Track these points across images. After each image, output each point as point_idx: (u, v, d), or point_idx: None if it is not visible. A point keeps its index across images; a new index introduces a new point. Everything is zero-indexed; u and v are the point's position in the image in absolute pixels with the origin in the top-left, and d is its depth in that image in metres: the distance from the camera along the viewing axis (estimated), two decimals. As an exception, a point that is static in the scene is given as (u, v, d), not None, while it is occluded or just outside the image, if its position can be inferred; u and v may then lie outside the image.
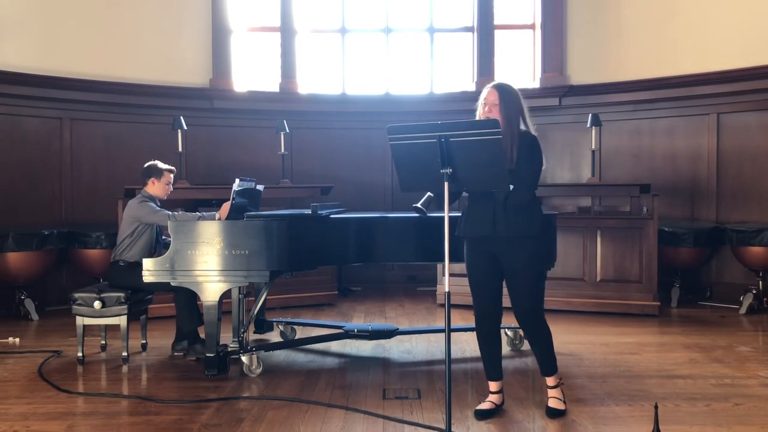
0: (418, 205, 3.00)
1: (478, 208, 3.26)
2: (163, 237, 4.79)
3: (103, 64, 7.14)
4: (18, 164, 6.65)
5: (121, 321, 4.40)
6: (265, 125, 7.57)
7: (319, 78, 8.26)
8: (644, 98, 7.30)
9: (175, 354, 4.62)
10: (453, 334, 4.03)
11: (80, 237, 6.19)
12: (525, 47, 8.17)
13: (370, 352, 4.76)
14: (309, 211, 4.32)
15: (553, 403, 3.40)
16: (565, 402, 3.43)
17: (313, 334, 4.94)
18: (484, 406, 3.42)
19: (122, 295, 4.39)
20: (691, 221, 6.95)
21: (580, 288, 6.10)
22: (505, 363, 4.05)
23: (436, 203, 3.05)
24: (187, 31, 7.70)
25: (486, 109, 3.26)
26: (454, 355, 4.57)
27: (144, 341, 4.81)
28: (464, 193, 3.31)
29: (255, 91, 7.94)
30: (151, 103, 7.32)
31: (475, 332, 3.48)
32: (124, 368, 4.35)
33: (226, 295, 4.11)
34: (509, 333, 4.76)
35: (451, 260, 2.95)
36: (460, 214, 3.39)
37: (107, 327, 4.73)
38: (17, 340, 5.06)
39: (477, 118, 3.28)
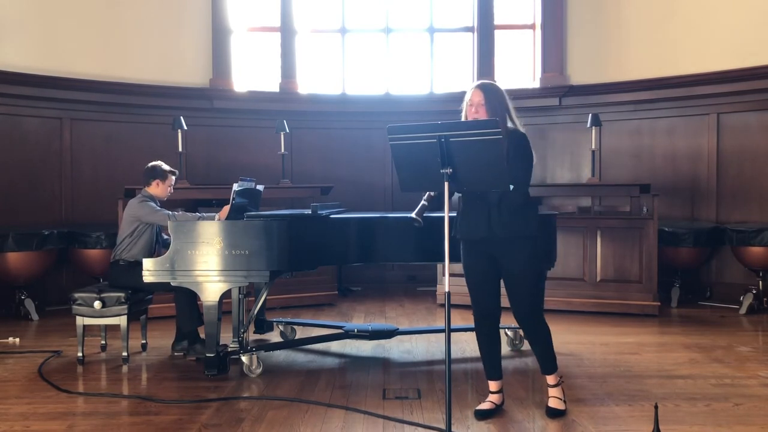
0: (413, 215, 2.99)
1: (473, 209, 3.25)
2: (164, 236, 4.79)
3: (103, 64, 7.14)
4: (18, 164, 6.65)
5: (121, 321, 4.40)
6: (265, 125, 7.57)
7: (319, 78, 8.26)
8: (644, 98, 7.30)
9: (175, 354, 4.62)
10: (453, 334, 4.02)
11: (80, 237, 6.19)
12: (525, 47, 8.17)
13: (370, 352, 4.76)
14: (309, 211, 4.32)
15: (553, 403, 3.40)
16: (565, 402, 3.43)
17: (313, 334, 4.94)
18: (484, 406, 3.42)
19: (122, 295, 4.39)
20: (691, 221, 6.95)
21: (580, 288, 6.10)
22: (505, 363, 4.05)
23: (437, 203, 3.04)
24: (187, 31, 7.70)
25: (473, 110, 3.23)
26: (454, 355, 4.57)
27: (144, 341, 4.81)
28: (456, 195, 3.30)
29: (255, 91, 7.94)
30: (151, 103, 7.32)
31: (474, 332, 3.48)
32: (124, 368, 4.35)
33: (226, 295, 4.11)
34: (509, 333, 4.76)
35: (451, 260, 2.94)
36: (455, 214, 3.38)
37: (107, 327, 4.72)
38: (17, 340, 5.06)
39: (463, 119, 3.26)
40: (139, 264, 4.15)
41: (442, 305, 5.07)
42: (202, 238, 3.99)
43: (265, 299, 4.93)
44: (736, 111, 6.80)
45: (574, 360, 4.45)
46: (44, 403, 3.63)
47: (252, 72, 8.13)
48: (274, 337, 5.15)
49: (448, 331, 2.95)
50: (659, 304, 5.96)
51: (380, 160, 8.00)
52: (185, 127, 6.46)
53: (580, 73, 7.72)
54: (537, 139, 7.72)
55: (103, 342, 4.77)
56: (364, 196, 7.81)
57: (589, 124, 6.60)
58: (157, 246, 4.73)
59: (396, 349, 4.83)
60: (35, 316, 5.95)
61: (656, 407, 2.88)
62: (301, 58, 8.10)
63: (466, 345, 4.83)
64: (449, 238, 2.93)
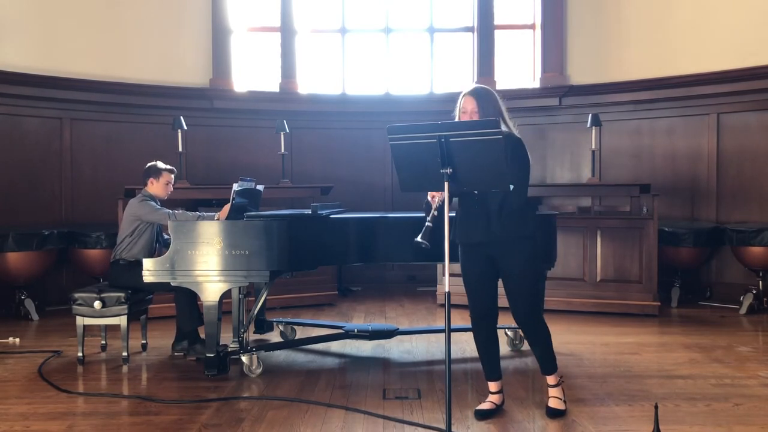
0: (419, 239, 2.97)
1: (471, 213, 3.24)
2: (165, 236, 4.79)
3: (103, 64, 7.15)
4: (18, 164, 6.66)
5: (121, 321, 4.40)
6: (265, 125, 7.57)
7: (319, 78, 8.26)
8: (644, 98, 7.30)
9: (175, 354, 4.62)
10: (453, 334, 4.02)
11: (80, 237, 6.19)
12: (525, 47, 8.17)
13: (370, 352, 4.76)
14: (309, 211, 4.32)
15: (553, 403, 3.40)
16: (565, 402, 3.43)
17: (313, 334, 4.94)
18: (484, 406, 3.42)
19: (122, 295, 4.39)
20: (691, 221, 6.95)
21: (580, 288, 6.10)
22: (505, 363, 4.05)
23: (440, 220, 3.00)
24: (187, 31, 7.70)
25: (466, 117, 3.21)
26: (454, 355, 4.57)
27: (144, 341, 4.81)
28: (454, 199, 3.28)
29: (255, 91, 7.94)
30: (151, 103, 7.32)
31: (472, 334, 3.47)
32: (124, 368, 4.35)
33: (226, 295, 4.11)
34: (509, 333, 4.76)
35: (451, 260, 2.94)
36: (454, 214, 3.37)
37: (107, 327, 4.72)
38: (17, 340, 5.06)
39: None
40: (140, 264, 4.15)
41: (442, 305, 5.07)
42: (202, 238, 3.99)
43: (265, 299, 4.94)
44: (736, 111, 6.80)
45: (574, 360, 4.45)
46: (44, 403, 3.63)
47: (252, 72, 8.13)
48: (274, 337, 5.15)
49: (448, 331, 2.95)
50: (659, 304, 5.96)
51: (380, 160, 8.00)
52: (185, 127, 6.47)
53: (580, 73, 7.72)
54: (537, 139, 7.73)
55: (103, 342, 4.77)
56: (364, 196, 7.82)
57: (589, 124, 6.60)
58: (158, 246, 4.74)
59: (396, 349, 4.83)
60: (35, 316, 5.95)
61: (656, 407, 2.88)
62: (301, 58, 8.10)
63: (466, 345, 4.83)
64: (449, 239, 2.93)
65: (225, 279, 4.01)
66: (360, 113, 8.02)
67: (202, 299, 4.07)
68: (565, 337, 4.99)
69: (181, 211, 4.60)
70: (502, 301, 3.34)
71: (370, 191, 8.03)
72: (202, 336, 4.29)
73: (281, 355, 4.65)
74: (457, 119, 3.26)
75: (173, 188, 4.86)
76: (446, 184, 2.90)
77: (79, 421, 3.37)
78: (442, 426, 3.12)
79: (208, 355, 4.03)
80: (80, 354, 4.40)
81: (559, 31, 7.80)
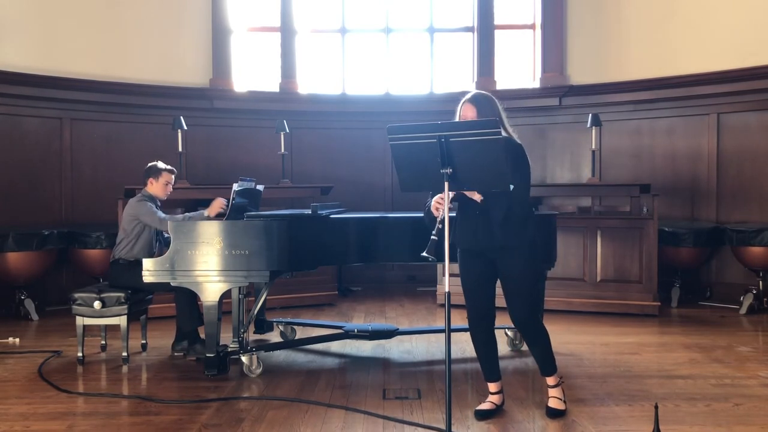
0: (425, 254, 2.97)
1: (472, 220, 3.23)
2: (165, 235, 4.79)
3: (103, 64, 7.14)
4: (18, 164, 6.65)
5: (121, 321, 4.40)
6: (265, 125, 7.57)
7: (319, 78, 8.26)
8: (644, 98, 7.30)
9: (175, 354, 4.62)
10: (453, 334, 4.02)
11: (80, 237, 6.19)
12: (525, 47, 8.17)
13: (370, 352, 4.76)
14: (309, 211, 4.32)
15: (553, 403, 3.40)
16: (565, 402, 3.43)
17: (313, 334, 4.94)
18: (484, 406, 3.42)
19: (122, 295, 4.39)
20: (691, 221, 6.95)
21: (580, 288, 6.10)
22: (505, 363, 4.06)
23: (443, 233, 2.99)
24: (187, 31, 7.70)
25: None
26: (454, 355, 4.56)
27: (144, 341, 4.81)
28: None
29: (255, 91, 7.94)
30: (151, 103, 7.32)
31: (470, 336, 3.46)
32: (124, 368, 4.35)
33: (226, 295, 4.11)
34: (509, 333, 4.76)
35: (451, 260, 2.94)
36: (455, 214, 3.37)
37: (107, 327, 4.72)
38: (17, 340, 5.06)
39: None
40: (139, 263, 4.15)
41: (442, 305, 5.07)
42: (202, 238, 3.99)
43: (265, 299, 4.94)
44: (736, 111, 6.80)
45: (574, 360, 4.45)
46: (44, 403, 3.63)
47: (252, 72, 8.13)
48: (274, 337, 5.15)
49: (448, 331, 2.94)
50: (659, 304, 5.96)
51: (380, 160, 8.00)
52: (185, 127, 6.46)
53: (580, 73, 7.72)
54: (537, 139, 7.73)
55: (103, 342, 4.77)
56: (364, 196, 7.81)
57: (589, 124, 6.60)
58: (158, 245, 4.73)
59: (396, 349, 4.83)
60: (35, 316, 5.95)
61: (656, 407, 2.88)
62: (301, 58, 8.10)
63: (466, 345, 4.83)
64: (449, 240, 2.93)
65: (225, 279, 4.01)
66: (360, 113, 8.02)
67: (202, 299, 4.07)
68: (565, 337, 4.99)
69: (167, 216, 4.56)
70: (500, 301, 3.33)
71: (370, 191, 8.03)
72: (202, 336, 4.29)
73: (281, 355, 4.65)
74: None
75: (173, 189, 4.85)
76: (446, 184, 2.90)
77: (79, 421, 3.37)
78: (442, 426, 3.12)
79: (208, 355, 4.03)
80: (80, 354, 4.40)
81: (559, 31, 7.80)
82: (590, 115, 6.64)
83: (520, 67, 8.17)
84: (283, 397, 3.71)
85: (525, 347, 4.72)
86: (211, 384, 3.96)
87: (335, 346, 4.85)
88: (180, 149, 6.40)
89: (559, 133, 7.84)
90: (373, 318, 6.00)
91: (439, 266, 6.23)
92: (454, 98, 8.38)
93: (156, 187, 4.68)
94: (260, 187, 4.79)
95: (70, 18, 6.99)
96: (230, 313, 4.36)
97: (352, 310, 6.36)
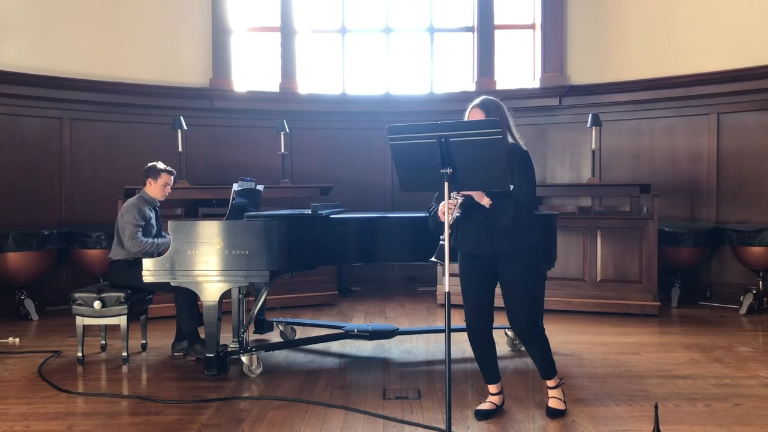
0: (434, 259, 2.98)
1: (474, 223, 3.22)
2: (164, 234, 4.79)
3: (103, 64, 7.15)
4: (18, 164, 6.66)
5: (121, 321, 4.40)
6: (265, 125, 7.57)
7: (319, 78, 8.26)
8: (644, 98, 7.30)
9: (175, 354, 4.62)
10: (453, 334, 4.01)
11: (80, 237, 6.19)
12: (525, 47, 8.17)
13: (370, 352, 4.76)
14: (309, 211, 4.32)
15: (553, 403, 3.40)
16: (565, 402, 3.43)
17: (313, 334, 4.94)
18: (484, 406, 3.42)
19: (122, 295, 4.39)
20: (691, 221, 6.95)
21: (580, 288, 6.10)
22: (505, 363, 4.05)
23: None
24: (187, 31, 7.70)
25: None
26: (454, 355, 4.56)
27: (144, 341, 4.81)
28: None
29: (255, 91, 7.94)
30: (151, 103, 7.33)
31: (468, 338, 3.46)
32: (124, 368, 4.35)
33: (226, 295, 4.11)
34: (509, 333, 4.75)
35: (451, 260, 2.94)
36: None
37: (107, 327, 4.73)
38: (17, 340, 5.06)
39: None
40: (139, 262, 4.15)
41: (442, 305, 5.07)
42: (202, 238, 3.99)
43: (265, 299, 4.93)
44: (736, 111, 6.80)
45: (574, 360, 4.45)
46: (44, 403, 3.63)
47: (252, 72, 8.13)
48: (274, 337, 5.15)
49: (448, 331, 2.94)
50: (659, 304, 5.96)
51: (380, 160, 8.00)
52: (185, 127, 6.46)
53: (580, 73, 7.73)
54: (537, 139, 7.74)
55: (103, 342, 4.77)
56: (364, 196, 7.82)
57: (589, 124, 6.60)
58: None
59: (396, 349, 4.83)
60: (35, 316, 5.95)
61: (656, 407, 2.88)
62: (301, 58, 8.10)
63: (466, 345, 4.78)
64: (449, 241, 2.93)
65: (225, 279, 4.01)
66: (360, 113, 8.02)
67: (202, 299, 4.07)
68: (565, 337, 4.99)
69: (149, 240, 4.51)
70: (499, 301, 3.32)
71: (370, 191, 8.03)
72: (202, 336, 4.29)
73: (281, 355, 4.65)
74: None
75: (173, 189, 4.85)
76: (446, 184, 2.90)
77: (79, 421, 3.37)
78: (442, 426, 3.12)
79: (208, 355, 4.03)
80: (80, 354, 4.40)
81: (559, 31, 7.80)
82: (590, 115, 6.64)
83: (520, 67, 8.17)
84: (283, 397, 3.71)
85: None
86: (211, 384, 3.96)
87: (335, 346, 4.85)
88: (180, 149, 6.40)
89: (559, 133, 7.84)
90: (373, 318, 6.00)
91: (439, 266, 6.22)
92: (454, 98, 8.47)
93: (154, 188, 4.68)
94: (260, 187, 4.79)
95: (70, 18, 6.99)
96: (230, 313, 4.36)
97: (352, 310, 6.36)
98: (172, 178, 4.77)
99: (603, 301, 6.02)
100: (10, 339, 5.06)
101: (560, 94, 7.73)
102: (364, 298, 7.03)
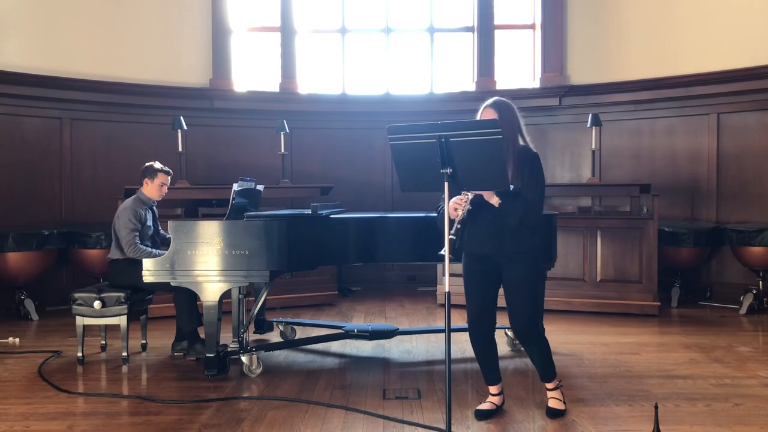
0: (451, 235, 2.92)
1: (481, 224, 3.21)
2: (163, 233, 4.79)
3: (103, 64, 7.15)
4: (18, 164, 6.66)
5: (121, 321, 4.40)
6: (265, 125, 7.57)
7: (319, 78, 8.26)
8: (644, 98, 7.30)
9: (175, 354, 4.62)
10: (453, 334, 4.02)
11: (80, 237, 6.19)
12: (525, 47, 8.17)
13: (370, 352, 4.76)
14: (309, 211, 4.32)
15: (553, 404, 3.40)
16: (565, 402, 3.43)
17: (313, 334, 4.94)
18: (485, 406, 3.42)
19: (122, 295, 4.39)
20: (691, 221, 6.95)
21: (580, 288, 6.10)
22: (505, 363, 4.05)
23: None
24: (187, 31, 7.70)
25: None
26: (454, 355, 4.56)
27: (144, 341, 4.81)
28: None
29: (255, 91, 7.94)
30: (151, 103, 7.33)
31: (470, 338, 3.46)
32: (124, 368, 4.35)
33: (226, 295, 4.11)
34: (509, 333, 4.75)
35: (451, 260, 2.94)
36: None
37: (107, 327, 4.73)
38: (17, 340, 5.06)
39: None
40: (138, 262, 4.15)
41: (442, 305, 5.07)
42: (202, 238, 3.99)
43: (265, 299, 4.94)
44: (736, 111, 6.80)
45: (574, 360, 4.45)
46: (44, 403, 3.63)
47: (252, 72, 8.13)
48: (274, 337, 5.15)
49: (448, 331, 2.94)
50: (659, 304, 5.96)
51: (380, 160, 8.01)
52: (185, 127, 6.46)
53: (580, 73, 7.73)
54: (537, 139, 7.61)
55: (103, 342, 4.77)
56: (364, 196, 7.82)
57: (589, 124, 6.60)
58: (155, 245, 4.71)
59: (396, 349, 4.83)
60: (35, 316, 5.95)
61: (656, 407, 2.88)
62: (301, 58, 8.10)
63: (466, 345, 4.79)
64: (449, 241, 2.93)
65: (225, 279, 4.01)
66: (360, 113, 8.02)
67: (202, 299, 4.07)
68: (565, 337, 4.99)
69: (148, 250, 4.50)
70: (500, 301, 3.32)
71: (370, 191, 8.03)
72: (202, 336, 4.29)
73: (281, 355, 4.65)
74: None
75: (173, 189, 4.84)
76: (446, 184, 2.90)
77: (79, 421, 3.37)
78: (442, 426, 3.12)
79: (208, 355, 4.03)
80: (80, 354, 4.40)
81: (559, 31, 7.80)
82: (590, 115, 6.64)
83: (520, 67, 8.18)
84: (283, 397, 3.71)
85: (525, 347, 4.72)
86: (211, 384, 3.96)
87: (335, 346, 4.85)
88: (180, 149, 6.40)
89: (559, 133, 7.84)
90: (373, 318, 6.00)
91: (439, 266, 6.23)
92: (454, 98, 8.47)
93: (151, 188, 4.67)
94: (260, 187, 4.79)
95: (70, 18, 7.00)
96: (230, 313, 4.36)
97: (352, 310, 6.36)
98: (169, 178, 4.76)
99: (603, 301, 6.02)
100: (10, 339, 5.06)
101: (560, 94, 7.73)
102: (364, 298, 7.03)
